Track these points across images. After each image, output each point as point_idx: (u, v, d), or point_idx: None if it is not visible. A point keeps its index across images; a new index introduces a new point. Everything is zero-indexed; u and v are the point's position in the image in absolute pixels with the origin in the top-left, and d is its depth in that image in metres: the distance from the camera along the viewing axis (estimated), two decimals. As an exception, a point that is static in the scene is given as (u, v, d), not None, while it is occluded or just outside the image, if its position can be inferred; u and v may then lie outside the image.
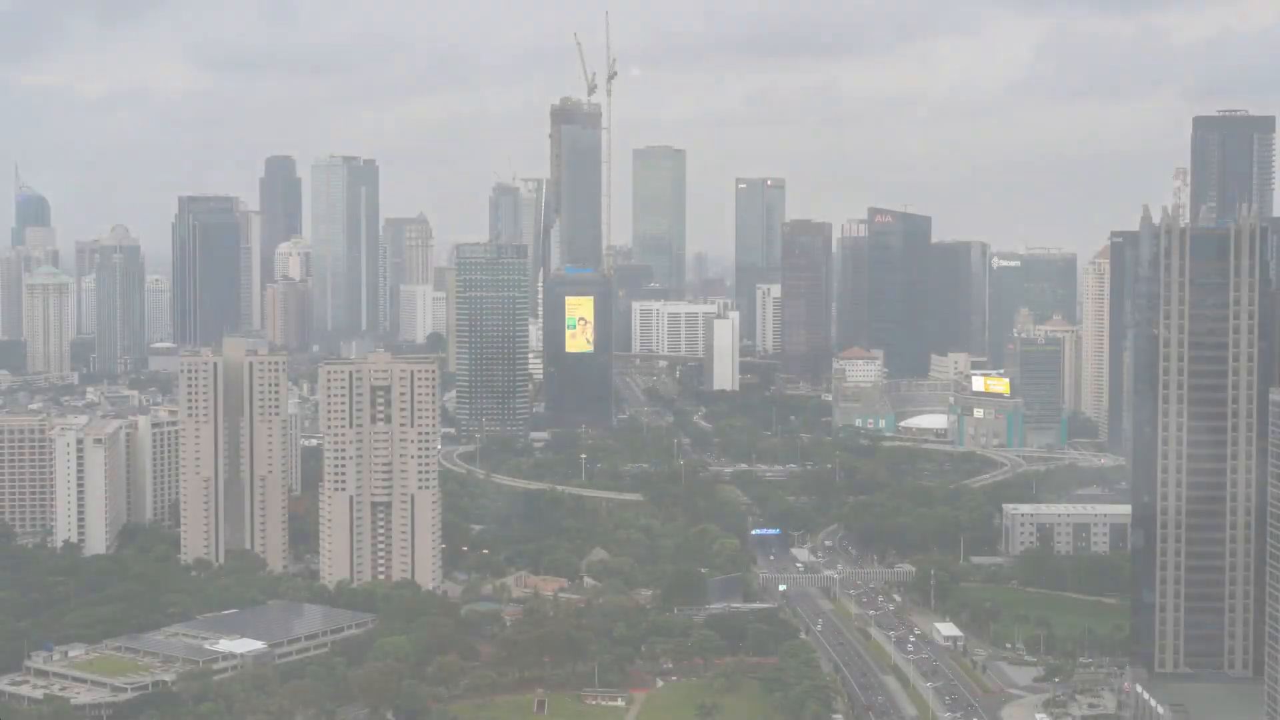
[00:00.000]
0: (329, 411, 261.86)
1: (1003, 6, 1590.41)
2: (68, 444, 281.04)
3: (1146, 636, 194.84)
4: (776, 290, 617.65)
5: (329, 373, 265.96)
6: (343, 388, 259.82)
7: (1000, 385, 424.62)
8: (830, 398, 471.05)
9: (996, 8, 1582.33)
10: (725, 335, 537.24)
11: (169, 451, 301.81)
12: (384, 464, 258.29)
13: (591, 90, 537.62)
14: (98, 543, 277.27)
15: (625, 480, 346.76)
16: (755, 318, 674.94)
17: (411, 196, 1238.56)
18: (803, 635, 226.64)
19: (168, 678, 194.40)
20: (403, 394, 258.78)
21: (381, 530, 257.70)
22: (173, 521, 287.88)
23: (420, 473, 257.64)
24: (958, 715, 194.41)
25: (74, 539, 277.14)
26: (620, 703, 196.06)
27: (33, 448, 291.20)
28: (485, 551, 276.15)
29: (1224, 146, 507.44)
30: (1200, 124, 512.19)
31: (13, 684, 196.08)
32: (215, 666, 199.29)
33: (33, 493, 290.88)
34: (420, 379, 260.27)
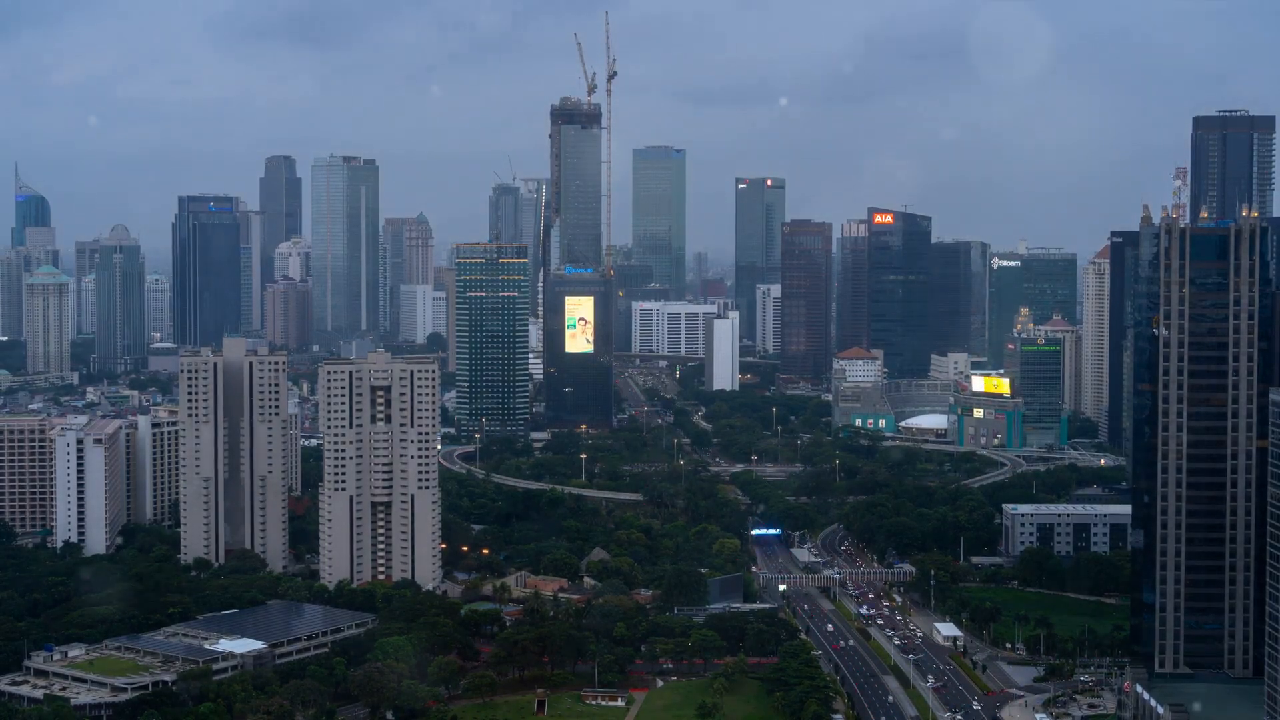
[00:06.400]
0: (329, 411, 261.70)
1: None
2: (68, 444, 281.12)
3: (1146, 636, 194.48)
4: (776, 290, 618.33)
5: (329, 373, 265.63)
6: (343, 388, 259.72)
7: (1001, 385, 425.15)
8: (830, 398, 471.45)
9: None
10: (725, 335, 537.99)
11: (169, 451, 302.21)
12: (384, 464, 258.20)
13: (591, 90, 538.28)
14: (98, 543, 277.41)
15: (625, 480, 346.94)
16: (755, 318, 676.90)
17: (411, 196, 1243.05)
18: (802, 635, 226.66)
19: (168, 678, 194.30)
20: (403, 394, 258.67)
21: (381, 530, 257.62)
22: (173, 521, 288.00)
23: (420, 473, 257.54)
24: (958, 715, 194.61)
25: (74, 539, 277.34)
26: (620, 703, 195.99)
27: (33, 448, 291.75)
28: (485, 551, 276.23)
29: (1224, 146, 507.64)
30: (1200, 124, 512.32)
31: (13, 684, 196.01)
32: (215, 666, 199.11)
33: (33, 493, 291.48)
34: (420, 379, 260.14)
